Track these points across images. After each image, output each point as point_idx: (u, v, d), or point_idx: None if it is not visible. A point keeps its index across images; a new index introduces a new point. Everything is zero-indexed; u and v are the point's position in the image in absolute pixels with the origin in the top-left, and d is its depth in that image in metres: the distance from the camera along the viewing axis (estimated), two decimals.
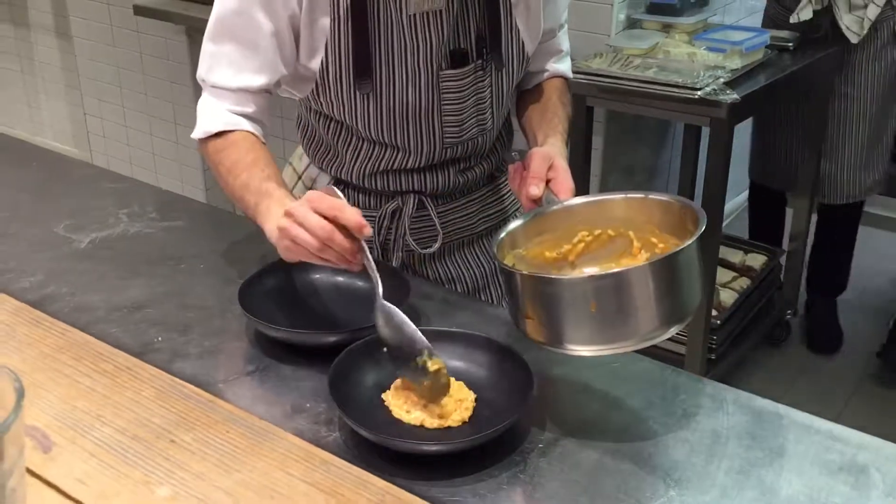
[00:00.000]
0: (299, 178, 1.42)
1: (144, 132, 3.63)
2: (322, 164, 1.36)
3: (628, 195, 1.09)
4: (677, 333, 2.81)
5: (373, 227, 1.30)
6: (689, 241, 0.93)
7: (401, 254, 1.35)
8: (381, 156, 1.29)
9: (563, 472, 0.93)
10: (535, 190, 1.13)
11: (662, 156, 2.97)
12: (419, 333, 1.01)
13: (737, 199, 3.87)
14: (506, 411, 0.97)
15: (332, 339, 1.11)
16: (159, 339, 1.17)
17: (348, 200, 1.24)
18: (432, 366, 1.00)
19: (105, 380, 1.06)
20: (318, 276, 1.25)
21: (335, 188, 1.08)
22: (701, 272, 0.97)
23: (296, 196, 1.13)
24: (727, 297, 2.65)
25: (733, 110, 2.16)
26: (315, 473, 0.91)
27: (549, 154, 1.18)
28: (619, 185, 2.73)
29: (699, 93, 2.18)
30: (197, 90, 1.36)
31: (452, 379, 1.04)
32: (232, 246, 1.44)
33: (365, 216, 1.19)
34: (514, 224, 1.09)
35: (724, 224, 2.85)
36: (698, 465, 0.94)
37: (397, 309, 1.03)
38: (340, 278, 1.25)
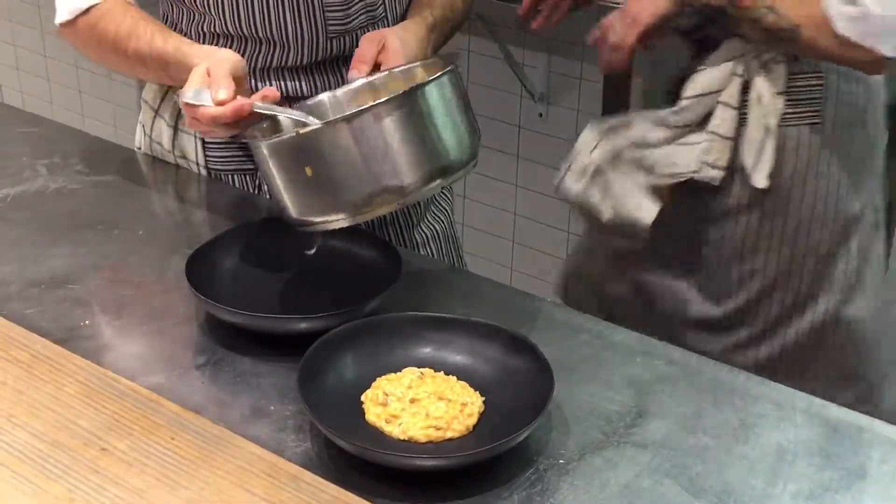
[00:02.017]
0: (169, 86, 1.48)
1: (69, 64, 3.62)
2: None
3: (406, 66, 1.24)
4: None
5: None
6: (419, 85, 1.06)
7: None
8: (256, 51, 1.36)
9: (588, 495, 0.94)
10: (355, 73, 1.25)
11: None
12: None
13: None
14: (519, 418, 0.97)
15: (302, 325, 1.11)
16: (86, 322, 1.17)
17: None
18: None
19: (18, 371, 1.06)
20: (285, 247, 1.25)
21: (187, 100, 1.19)
22: (462, 120, 1.09)
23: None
24: None
25: None
26: (281, 492, 0.91)
27: (380, 34, 1.28)
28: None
29: None
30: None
31: (454, 378, 1.04)
32: (178, 207, 1.44)
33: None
34: (294, 113, 1.20)
35: None
36: (758, 488, 0.95)
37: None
38: (313, 250, 1.25)
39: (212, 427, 0.99)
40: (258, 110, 1.18)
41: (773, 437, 1.01)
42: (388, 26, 1.40)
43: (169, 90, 1.47)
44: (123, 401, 1.02)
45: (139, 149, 1.56)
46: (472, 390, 1.04)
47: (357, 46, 1.36)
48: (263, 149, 1.10)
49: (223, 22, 1.35)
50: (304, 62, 1.37)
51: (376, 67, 1.26)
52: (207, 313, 1.16)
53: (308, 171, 1.05)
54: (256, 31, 1.34)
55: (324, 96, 1.29)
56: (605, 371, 1.10)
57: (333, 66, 1.40)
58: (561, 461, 0.97)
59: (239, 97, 1.18)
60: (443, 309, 1.17)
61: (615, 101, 2.38)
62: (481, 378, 1.05)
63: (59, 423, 0.99)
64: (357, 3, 1.36)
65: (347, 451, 0.95)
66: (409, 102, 1.05)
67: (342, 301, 1.17)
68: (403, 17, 1.45)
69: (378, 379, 1.04)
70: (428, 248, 1.52)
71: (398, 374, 1.05)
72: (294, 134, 1.07)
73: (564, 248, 2.81)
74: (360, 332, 1.07)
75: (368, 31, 1.37)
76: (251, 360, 1.10)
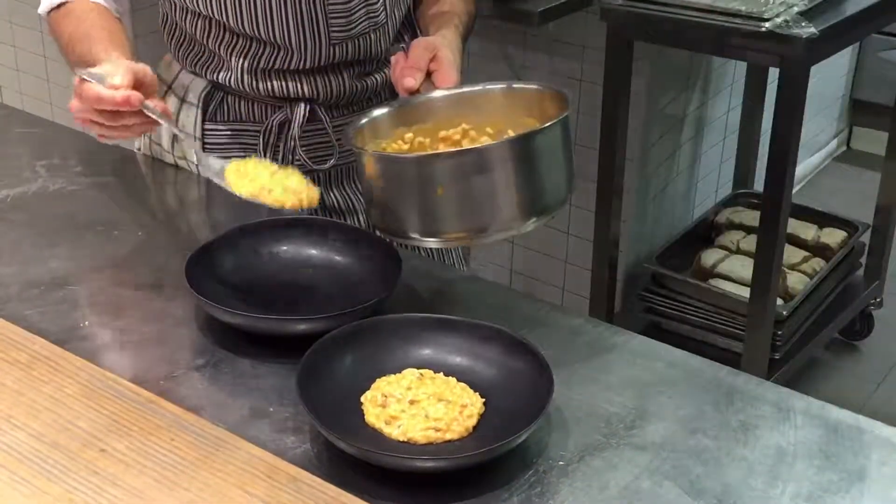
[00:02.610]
0: (169, 87, 1.48)
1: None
2: (195, 66, 1.43)
3: (505, 84, 1.23)
4: (733, 327, 2.80)
5: (258, 145, 1.43)
6: (549, 123, 1.06)
7: None
8: (259, 53, 1.36)
9: (588, 496, 0.94)
10: (411, 81, 1.24)
11: (718, 105, 2.97)
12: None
13: (810, 161, 3.87)
14: (519, 420, 0.97)
15: (302, 326, 1.11)
16: (86, 323, 1.17)
17: (228, 110, 1.42)
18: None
19: (17, 372, 1.06)
20: (285, 248, 1.25)
21: (83, 75, 1.21)
22: (566, 163, 1.10)
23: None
24: (796, 281, 2.65)
25: (810, 47, 2.15)
26: (281, 493, 0.91)
27: (433, 43, 1.28)
28: (663, 139, 2.73)
29: (767, 25, 2.17)
30: (134, 16, 1.37)
31: (454, 380, 1.04)
32: (178, 208, 1.44)
33: (249, 130, 1.42)
34: (379, 111, 1.20)
35: (794, 191, 2.85)
36: (758, 489, 0.95)
37: None
38: (313, 251, 1.25)
39: (211, 428, 0.99)
40: (146, 110, 1.19)
41: (772, 439, 1.01)
42: (390, 32, 1.41)
43: (168, 91, 1.47)
44: (123, 402, 1.02)
45: (139, 150, 1.57)
46: (471, 392, 1.04)
47: (359, 52, 1.39)
48: (374, 160, 1.09)
49: (227, 24, 1.35)
50: (308, 66, 1.38)
51: (427, 75, 1.25)
52: (207, 314, 1.16)
53: (440, 190, 1.04)
54: (259, 35, 1.35)
55: (435, 94, 1.24)
56: (605, 373, 1.10)
57: (336, 70, 1.40)
58: (560, 463, 0.97)
59: (133, 91, 1.18)
60: (443, 310, 1.17)
61: (615, 102, 2.38)
62: (481, 379, 1.05)
63: (58, 424, 0.99)
64: (359, 10, 1.36)
65: (347, 453, 0.95)
66: (551, 136, 1.07)
67: (342, 302, 1.17)
68: (403, 24, 1.45)
69: (378, 380, 1.04)
70: (429, 249, 1.52)
71: (398, 375, 1.05)
72: (436, 152, 1.09)
73: (565, 250, 2.81)
74: (359, 333, 1.08)
75: (370, 37, 1.38)
76: (251, 362, 1.10)
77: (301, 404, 0.97)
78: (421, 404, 1.01)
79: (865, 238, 2.91)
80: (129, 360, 1.11)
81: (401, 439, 0.99)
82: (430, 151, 1.13)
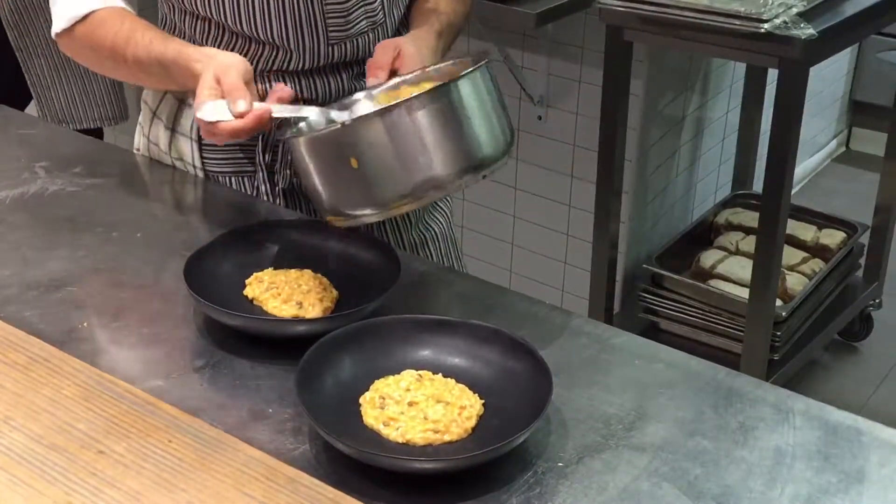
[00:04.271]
0: (153, 114, 1.50)
1: None
2: None
3: (438, 65, 1.27)
4: (732, 329, 2.80)
5: (256, 147, 1.43)
6: (458, 77, 1.07)
7: (289, 172, 1.42)
8: (257, 54, 1.36)
9: (586, 498, 0.94)
10: (373, 80, 1.27)
11: (717, 106, 2.97)
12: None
13: (810, 161, 3.87)
14: (518, 421, 0.97)
15: (300, 328, 1.11)
16: (84, 324, 1.17)
17: None
18: None
19: (16, 374, 1.06)
20: (284, 249, 1.25)
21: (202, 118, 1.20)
22: (494, 116, 1.10)
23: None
24: (795, 283, 2.65)
25: (809, 48, 2.15)
26: (279, 494, 0.91)
27: (395, 42, 1.30)
28: (663, 140, 2.73)
29: (766, 26, 2.17)
30: (142, 15, 1.37)
31: (452, 381, 1.04)
32: (177, 210, 1.44)
33: None
34: (311, 113, 1.23)
35: (793, 192, 2.86)
36: (756, 490, 0.95)
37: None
38: (312, 253, 1.24)
39: (209, 430, 0.99)
40: (276, 115, 1.20)
41: (771, 440, 1.01)
42: (388, 32, 1.41)
43: (167, 92, 1.47)
44: (121, 403, 1.02)
45: (137, 150, 1.56)
46: (470, 393, 1.03)
47: (357, 52, 1.38)
48: (302, 144, 1.11)
49: (225, 25, 1.35)
50: (306, 67, 1.38)
51: (392, 74, 1.27)
52: (206, 316, 1.16)
53: (353, 162, 1.05)
54: (258, 36, 1.35)
55: (360, 95, 1.29)
56: (604, 374, 1.10)
57: (335, 71, 1.40)
58: (559, 464, 0.97)
59: (255, 104, 1.19)
60: (441, 311, 1.17)
61: (614, 103, 2.38)
62: (480, 381, 1.05)
63: (56, 426, 0.99)
64: (357, 10, 1.36)
65: (345, 454, 0.95)
66: (447, 94, 1.07)
67: (340, 304, 1.17)
68: (402, 22, 1.46)
69: (376, 382, 1.04)
70: (426, 250, 1.52)
71: (396, 376, 1.05)
72: (341, 125, 1.08)
73: (564, 251, 2.81)
74: (358, 334, 1.07)
75: (369, 36, 1.38)
76: (249, 363, 1.10)
77: (300, 406, 0.97)
78: (420, 405, 1.01)
79: (864, 239, 2.91)
80: (127, 362, 1.11)
81: (399, 441, 0.99)
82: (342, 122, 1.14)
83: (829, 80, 3.75)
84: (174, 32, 1.43)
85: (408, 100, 1.05)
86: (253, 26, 1.33)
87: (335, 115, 1.25)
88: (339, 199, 1.09)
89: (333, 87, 1.40)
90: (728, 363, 1.18)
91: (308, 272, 1.20)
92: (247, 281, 1.19)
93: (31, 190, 1.45)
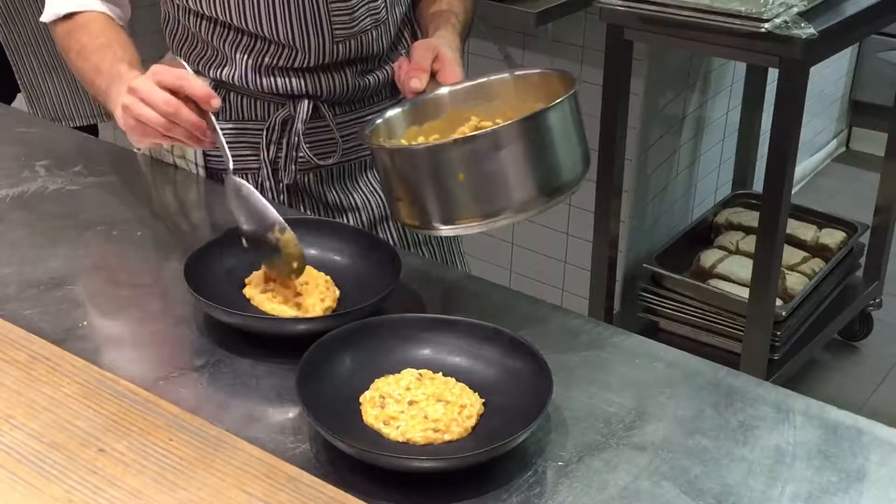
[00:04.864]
0: None
1: None
2: (198, 64, 1.43)
3: (509, 73, 1.26)
4: (732, 328, 2.79)
5: (260, 143, 1.43)
6: (556, 101, 1.07)
7: (293, 167, 1.43)
8: (263, 50, 1.37)
9: (587, 497, 0.94)
10: (417, 82, 1.26)
11: (717, 105, 2.97)
12: (269, 207, 1.18)
13: (810, 161, 3.87)
14: (518, 420, 0.97)
15: (301, 327, 1.11)
16: (84, 323, 1.17)
17: (231, 107, 1.42)
18: (283, 239, 1.15)
19: (16, 372, 1.06)
20: None
21: (180, 59, 1.23)
22: (578, 141, 1.11)
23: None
24: (795, 282, 2.65)
25: (809, 48, 2.15)
26: (279, 493, 0.91)
27: (433, 44, 1.31)
28: (663, 139, 2.73)
29: (766, 25, 2.17)
30: (133, 15, 1.37)
31: (453, 380, 1.04)
32: (177, 208, 1.44)
33: (252, 128, 1.41)
34: (392, 112, 1.22)
35: (793, 192, 2.86)
36: (757, 489, 0.95)
37: (245, 182, 1.20)
38: (312, 251, 1.24)
39: (210, 428, 0.99)
40: (212, 118, 1.21)
41: (772, 439, 1.01)
42: (390, 29, 1.42)
43: None
44: (121, 402, 1.02)
45: (139, 149, 1.56)
46: (471, 392, 1.03)
47: (362, 49, 1.39)
48: (395, 153, 1.10)
49: (231, 24, 1.35)
50: (311, 64, 1.38)
51: (431, 75, 1.28)
52: (206, 315, 1.16)
53: (461, 177, 1.05)
54: (263, 34, 1.35)
55: (444, 91, 1.26)
56: (604, 373, 1.10)
57: (340, 68, 1.40)
58: (560, 463, 0.97)
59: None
60: (442, 310, 1.17)
61: (614, 102, 2.38)
62: (480, 380, 1.05)
63: (56, 424, 0.99)
64: (361, 7, 1.37)
65: (345, 453, 0.95)
66: (559, 114, 1.08)
67: (342, 302, 1.17)
68: (403, 20, 1.46)
69: (376, 380, 1.04)
70: (429, 247, 1.52)
71: (397, 375, 1.05)
72: (457, 138, 1.08)
73: (564, 250, 2.81)
74: (358, 333, 1.07)
75: (372, 34, 1.39)
76: (250, 362, 1.10)
77: (300, 404, 0.97)
78: (420, 405, 1.01)
79: (865, 239, 2.91)
80: (127, 360, 1.11)
81: (400, 440, 0.99)
82: (442, 140, 1.14)
83: (829, 79, 3.75)
84: (178, 30, 1.44)
85: (516, 121, 1.05)
86: (258, 25, 1.34)
87: (410, 112, 1.24)
88: (425, 209, 1.09)
89: (339, 83, 1.40)
90: (728, 363, 1.18)
91: (308, 268, 1.20)
92: (246, 280, 1.19)
93: (32, 188, 1.45)
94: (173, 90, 1.19)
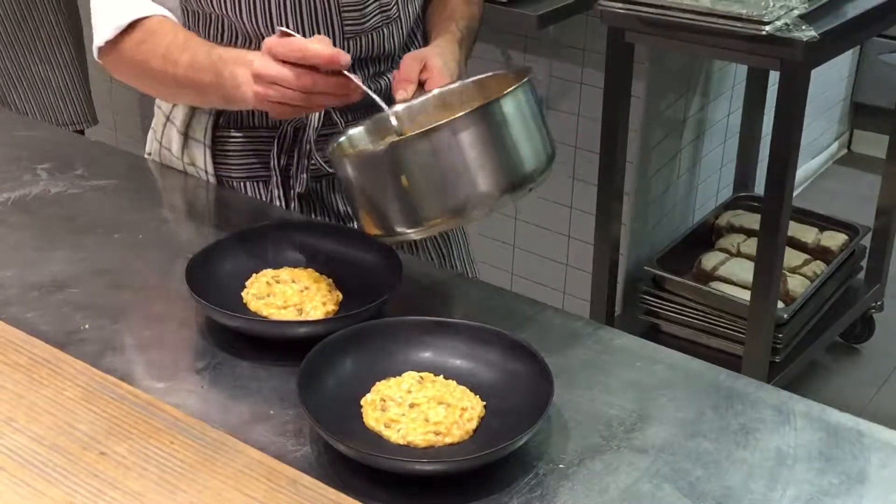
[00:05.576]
0: (167, 119, 1.48)
1: None
2: None
3: (473, 78, 1.26)
4: (734, 331, 2.79)
5: (271, 151, 1.41)
6: (504, 93, 1.06)
7: (305, 176, 1.41)
8: None
9: (588, 499, 0.94)
10: (402, 93, 1.24)
11: (718, 108, 2.97)
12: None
13: (811, 163, 3.87)
14: (519, 423, 0.97)
15: (302, 330, 1.11)
16: (86, 326, 1.17)
17: (242, 115, 1.40)
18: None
19: (18, 375, 1.06)
20: (286, 251, 1.25)
21: (285, 28, 1.21)
22: (537, 132, 1.10)
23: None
24: (796, 285, 2.65)
25: (810, 51, 2.15)
26: (280, 495, 0.91)
27: (421, 54, 1.29)
28: (664, 142, 2.73)
29: (767, 28, 2.17)
30: None
31: (454, 383, 1.04)
32: (179, 212, 1.44)
33: (263, 136, 1.40)
34: (354, 129, 1.23)
35: (794, 194, 2.86)
36: (757, 492, 0.95)
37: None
38: (314, 255, 1.24)
39: (211, 431, 0.99)
40: (348, 74, 1.16)
41: (772, 442, 1.01)
42: (402, 28, 1.41)
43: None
44: (123, 405, 1.02)
45: (149, 155, 1.55)
46: (472, 395, 1.03)
47: (372, 48, 1.38)
48: (347, 162, 1.10)
49: (241, 23, 1.33)
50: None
51: (419, 86, 1.26)
52: (207, 318, 1.16)
53: (404, 180, 1.05)
54: (270, 28, 1.33)
55: (399, 108, 1.24)
56: (605, 375, 1.10)
57: (354, 68, 1.35)
58: (561, 466, 0.97)
59: (340, 50, 1.17)
60: (443, 313, 1.17)
61: (616, 105, 2.38)
62: (481, 382, 1.05)
63: (58, 427, 0.99)
64: (372, 3, 1.36)
65: (346, 456, 0.95)
66: (493, 113, 1.06)
67: (342, 305, 1.17)
68: (416, 21, 1.45)
69: (377, 383, 1.04)
70: (439, 252, 1.51)
71: (398, 378, 1.05)
72: (389, 144, 1.06)
73: (565, 253, 2.81)
74: (359, 336, 1.07)
75: (383, 32, 1.38)
76: (251, 365, 1.10)
77: (301, 407, 0.97)
78: (421, 407, 1.01)
79: (866, 241, 2.91)
80: (129, 363, 1.11)
81: (401, 442, 0.99)
82: (395, 139, 1.12)
83: (830, 82, 3.75)
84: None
85: (454, 119, 1.04)
86: (268, 22, 1.32)
87: (372, 128, 1.25)
88: (386, 216, 1.08)
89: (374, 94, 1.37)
90: (729, 365, 1.18)
91: (309, 271, 1.20)
92: (247, 282, 1.19)
93: (33, 192, 1.45)
94: (297, 62, 1.15)
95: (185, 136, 1.46)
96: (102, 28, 1.34)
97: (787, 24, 2.18)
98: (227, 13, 1.33)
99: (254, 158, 1.43)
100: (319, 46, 1.15)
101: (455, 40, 1.37)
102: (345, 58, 1.15)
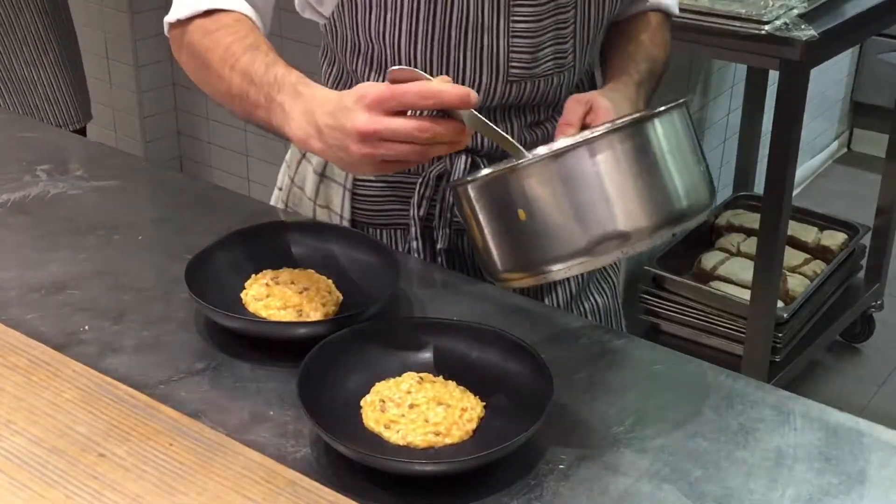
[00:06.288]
0: (303, 154, 1.40)
1: None
2: None
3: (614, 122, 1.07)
4: (734, 330, 2.80)
5: (412, 199, 1.29)
6: (642, 113, 0.95)
7: (447, 231, 1.30)
8: None
9: (588, 500, 0.93)
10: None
11: (718, 107, 2.96)
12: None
13: (811, 163, 3.87)
14: (518, 423, 0.97)
15: (301, 331, 1.11)
16: (86, 327, 1.17)
17: None
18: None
19: (17, 377, 1.06)
20: (285, 251, 1.25)
21: (411, 68, 1.03)
22: (696, 159, 0.99)
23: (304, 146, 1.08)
24: (796, 284, 2.65)
25: (810, 50, 2.15)
26: (279, 497, 0.91)
27: (587, 96, 1.16)
28: None
29: (767, 27, 2.17)
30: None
31: (453, 383, 1.04)
32: (178, 213, 1.44)
33: (404, 182, 1.26)
34: (486, 170, 1.02)
35: (794, 193, 2.86)
36: (757, 492, 0.94)
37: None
38: (314, 255, 1.24)
39: (210, 433, 0.99)
40: (475, 117, 1.00)
41: (772, 442, 1.00)
42: (574, 77, 1.29)
43: None
44: (121, 406, 1.02)
45: (280, 189, 1.44)
46: (471, 395, 1.03)
47: (537, 95, 1.26)
48: (469, 189, 0.97)
49: (396, 57, 1.22)
50: (478, 106, 1.23)
51: (585, 129, 1.12)
52: (207, 319, 1.16)
53: (521, 214, 0.92)
54: (430, 69, 1.21)
55: (542, 150, 1.00)
56: (605, 375, 1.10)
57: (507, 115, 1.27)
58: (560, 466, 0.97)
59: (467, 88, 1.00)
60: (442, 314, 1.17)
61: None
62: (481, 383, 1.05)
63: (57, 429, 0.98)
64: (547, 47, 1.23)
65: (346, 457, 0.94)
66: (637, 136, 0.94)
67: (342, 306, 1.17)
68: (590, 69, 1.34)
69: (377, 384, 1.04)
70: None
71: (397, 379, 1.05)
72: (505, 167, 0.93)
73: None
74: (359, 337, 1.07)
75: (553, 80, 1.26)
76: (250, 366, 1.10)
77: (301, 408, 0.97)
78: (420, 408, 1.01)
79: (866, 240, 2.91)
80: (128, 365, 1.10)
81: (400, 443, 0.98)
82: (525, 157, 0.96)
83: (830, 81, 3.75)
84: (335, 70, 1.31)
85: (591, 139, 0.92)
86: (428, 54, 1.21)
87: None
88: (507, 256, 0.96)
89: (507, 132, 1.25)
90: (729, 365, 1.18)
91: (309, 272, 1.20)
92: (246, 283, 1.19)
93: (33, 193, 1.45)
94: (421, 107, 1.00)
95: (322, 175, 1.36)
96: (181, 5, 1.23)
97: (786, 24, 2.18)
98: (384, 46, 1.22)
99: (394, 205, 1.32)
100: (450, 87, 0.98)
101: (632, 82, 1.24)
102: (474, 95, 0.98)
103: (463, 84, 1.17)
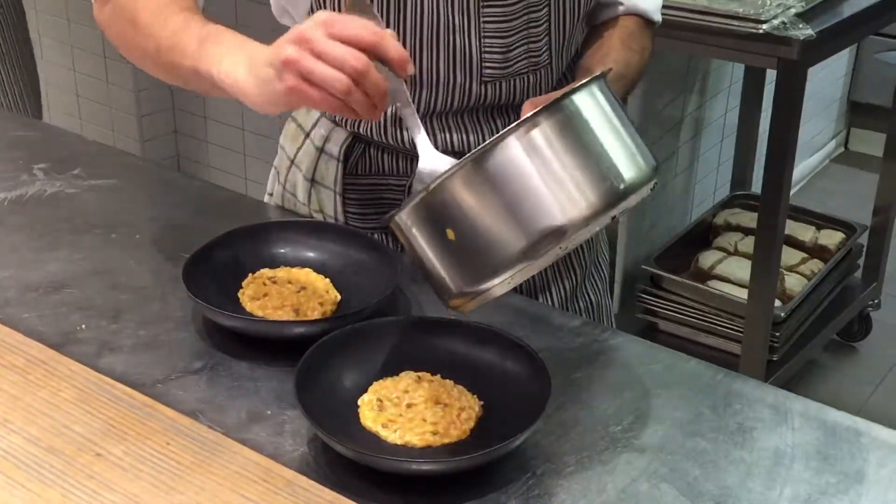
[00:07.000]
0: (307, 135, 1.38)
1: (66, 68, 3.62)
2: (336, 116, 1.31)
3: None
4: (731, 329, 2.80)
5: (401, 200, 1.26)
6: (569, 88, 0.88)
7: None
8: None
9: (585, 499, 0.93)
10: None
11: (716, 106, 2.97)
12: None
13: (808, 162, 3.87)
14: (516, 422, 0.97)
15: (299, 330, 1.11)
16: (83, 326, 1.16)
17: (371, 161, 1.26)
18: None
19: (14, 376, 1.05)
20: (282, 250, 1.25)
21: (366, 1, 1.00)
22: (628, 133, 0.91)
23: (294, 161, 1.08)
24: (794, 283, 2.65)
25: (807, 49, 2.15)
26: (277, 497, 0.91)
27: (542, 98, 1.10)
28: (661, 140, 2.72)
29: (764, 26, 2.17)
30: None
31: (451, 382, 1.04)
32: (175, 212, 1.44)
33: (390, 184, 1.25)
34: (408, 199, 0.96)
35: (792, 193, 2.86)
36: (755, 491, 0.94)
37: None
38: (311, 254, 1.24)
39: (207, 432, 0.98)
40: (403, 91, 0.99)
41: (770, 441, 1.00)
42: (552, 77, 1.27)
43: (305, 140, 1.36)
44: (119, 406, 1.01)
45: (271, 195, 1.44)
46: (469, 394, 1.03)
47: (514, 96, 1.25)
48: (398, 221, 0.93)
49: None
50: (454, 106, 1.23)
51: None
52: (204, 318, 1.16)
53: (450, 234, 0.88)
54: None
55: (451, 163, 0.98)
56: (603, 374, 1.10)
57: (489, 116, 1.26)
58: (558, 465, 0.97)
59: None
60: (440, 312, 1.16)
61: None
62: (479, 382, 1.05)
63: (53, 429, 0.98)
64: (519, 47, 1.22)
65: (343, 456, 0.94)
66: (554, 116, 0.87)
67: (339, 306, 1.17)
68: (570, 65, 1.31)
69: (375, 383, 1.04)
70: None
71: (395, 378, 1.05)
72: (420, 191, 0.89)
73: None
74: (356, 336, 1.07)
75: (529, 79, 1.25)
76: (248, 365, 1.10)
77: (299, 407, 0.97)
78: (418, 407, 1.01)
79: (863, 240, 2.91)
80: (126, 364, 1.10)
81: (398, 442, 0.98)
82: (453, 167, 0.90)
83: (827, 80, 3.75)
84: None
85: (500, 135, 0.85)
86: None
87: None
88: (450, 278, 0.91)
89: (487, 133, 1.25)
90: (727, 364, 1.18)
91: (307, 271, 1.20)
92: (243, 283, 1.19)
93: (30, 192, 1.45)
94: (361, 47, 0.95)
95: (313, 181, 1.36)
96: None
97: (783, 23, 2.18)
98: None
99: (384, 207, 1.31)
100: (397, 43, 0.97)
101: None
102: (411, 66, 0.97)
103: (437, 85, 1.21)
